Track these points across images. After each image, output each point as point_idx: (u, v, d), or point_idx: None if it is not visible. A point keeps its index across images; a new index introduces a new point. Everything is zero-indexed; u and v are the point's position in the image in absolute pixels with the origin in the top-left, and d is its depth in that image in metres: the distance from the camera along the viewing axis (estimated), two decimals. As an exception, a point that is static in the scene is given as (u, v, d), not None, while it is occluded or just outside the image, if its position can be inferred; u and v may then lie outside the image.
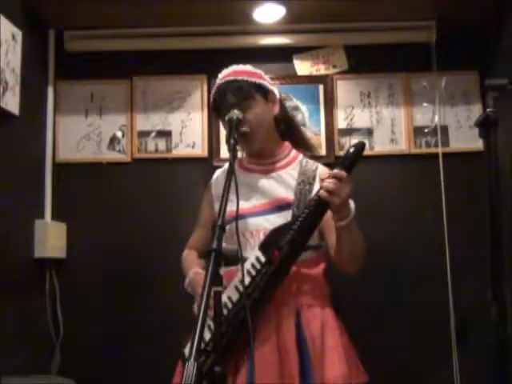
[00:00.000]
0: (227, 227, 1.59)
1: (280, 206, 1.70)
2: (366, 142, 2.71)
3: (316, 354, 1.58)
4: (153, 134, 2.73)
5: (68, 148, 2.72)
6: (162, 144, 2.72)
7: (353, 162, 1.54)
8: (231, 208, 1.56)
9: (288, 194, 1.71)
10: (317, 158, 1.87)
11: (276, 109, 1.79)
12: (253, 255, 1.60)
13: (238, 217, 1.55)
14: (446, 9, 2.55)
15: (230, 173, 1.38)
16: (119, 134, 2.73)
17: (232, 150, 1.48)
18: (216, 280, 1.15)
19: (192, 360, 1.00)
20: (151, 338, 2.53)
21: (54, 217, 2.63)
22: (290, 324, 1.61)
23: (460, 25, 2.61)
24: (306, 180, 1.72)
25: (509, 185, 2.07)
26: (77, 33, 2.72)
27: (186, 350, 1.52)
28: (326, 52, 2.76)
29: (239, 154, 1.74)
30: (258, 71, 1.81)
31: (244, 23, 2.66)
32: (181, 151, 2.71)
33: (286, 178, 1.75)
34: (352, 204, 1.59)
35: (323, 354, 1.59)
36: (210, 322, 1.44)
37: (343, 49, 2.75)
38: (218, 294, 1.17)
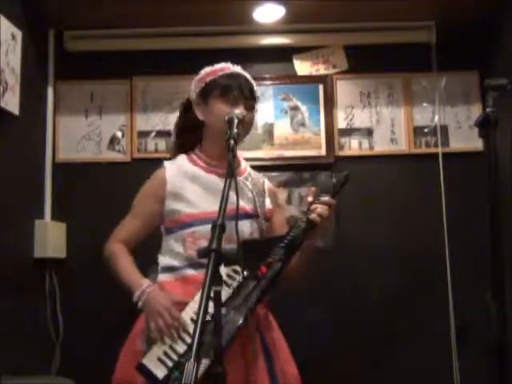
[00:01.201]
0: (198, 229, 1.60)
1: (240, 215, 1.67)
2: (366, 141, 2.72)
3: (272, 347, 1.61)
4: (152, 134, 2.73)
5: (68, 148, 2.72)
6: (161, 144, 2.72)
7: (340, 190, 1.62)
8: (205, 210, 1.60)
9: (245, 204, 1.67)
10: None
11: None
12: (230, 267, 1.56)
13: (200, 220, 1.58)
14: (445, 9, 2.55)
15: (231, 174, 1.37)
16: (119, 133, 2.73)
17: (232, 150, 1.47)
18: (216, 280, 1.15)
19: (192, 360, 1.00)
20: (151, 337, 2.53)
21: (54, 217, 2.63)
22: (257, 338, 1.60)
23: (460, 25, 2.61)
24: (259, 192, 1.72)
25: (509, 185, 2.07)
26: (77, 33, 2.72)
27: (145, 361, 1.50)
28: (326, 52, 2.77)
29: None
30: None
31: (244, 23, 2.66)
32: (181, 151, 2.71)
33: (242, 187, 1.70)
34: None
35: (275, 347, 1.62)
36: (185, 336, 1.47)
37: (343, 49, 2.75)
38: (218, 294, 1.17)
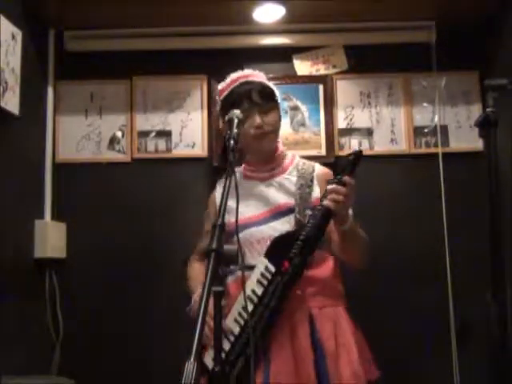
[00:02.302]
0: (240, 235, 1.62)
1: (282, 212, 1.71)
2: (366, 141, 2.72)
3: (330, 354, 1.60)
4: (153, 134, 2.73)
5: (68, 148, 2.72)
6: (161, 144, 2.72)
7: (354, 169, 1.55)
8: (244, 215, 1.65)
9: (288, 200, 1.72)
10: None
11: (281, 118, 1.82)
12: (261, 264, 1.62)
13: (243, 226, 1.63)
14: (446, 9, 2.55)
15: (231, 173, 1.38)
16: (119, 133, 2.73)
17: (232, 150, 1.47)
18: (216, 280, 1.15)
19: (192, 360, 1.00)
20: (151, 337, 2.53)
21: (54, 217, 2.63)
22: (305, 328, 1.62)
23: (460, 25, 2.62)
24: (304, 184, 1.73)
25: (509, 185, 2.07)
26: (77, 33, 2.72)
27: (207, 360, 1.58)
28: (326, 52, 2.77)
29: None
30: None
31: (244, 23, 2.66)
32: (180, 151, 2.71)
33: (284, 184, 1.76)
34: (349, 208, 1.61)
35: (337, 354, 1.61)
36: (230, 336, 1.56)
37: (343, 49, 2.75)
38: (218, 294, 1.17)
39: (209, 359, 1.57)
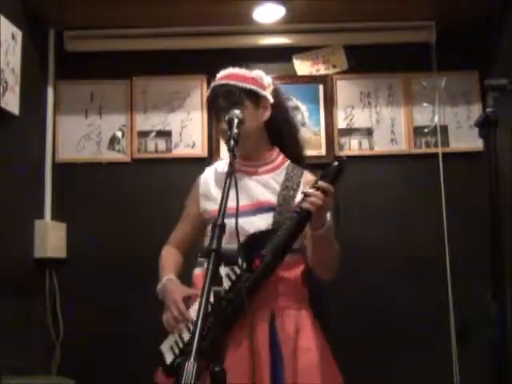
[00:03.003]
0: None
1: (262, 209, 1.69)
2: (366, 141, 2.72)
3: (288, 356, 1.59)
4: (153, 134, 2.73)
5: (68, 148, 2.72)
6: (161, 144, 2.72)
7: (337, 176, 1.53)
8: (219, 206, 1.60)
9: (271, 197, 1.70)
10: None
11: (267, 114, 1.77)
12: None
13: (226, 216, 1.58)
14: (445, 9, 2.55)
15: (231, 173, 1.38)
16: (119, 133, 2.73)
17: (232, 150, 1.47)
18: (216, 280, 1.15)
19: (192, 360, 1.00)
20: (151, 337, 2.52)
21: (54, 217, 2.63)
22: (264, 327, 1.61)
23: (460, 25, 2.62)
24: (290, 186, 1.72)
25: (509, 185, 2.07)
26: (77, 33, 2.72)
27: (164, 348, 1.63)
28: (326, 52, 2.77)
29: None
30: (253, 75, 1.79)
31: (244, 23, 2.66)
32: (181, 151, 2.71)
33: (270, 182, 1.74)
34: (328, 214, 1.59)
35: (296, 356, 1.60)
36: (191, 326, 1.59)
37: (343, 49, 2.75)
38: (218, 294, 1.17)
39: (166, 347, 1.67)
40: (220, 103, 1.70)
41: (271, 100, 1.79)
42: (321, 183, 1.50)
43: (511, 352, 1.33)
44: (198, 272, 1.75)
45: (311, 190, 1.50)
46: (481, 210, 1.61)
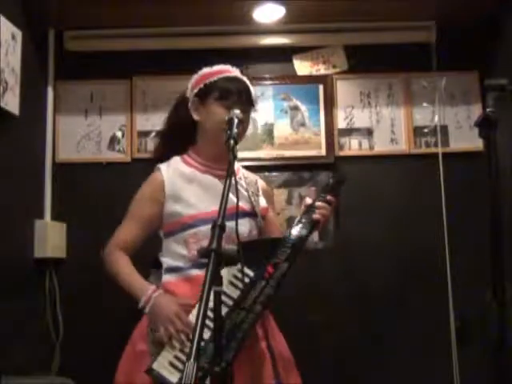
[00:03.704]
0: (200, 229, 1.60)
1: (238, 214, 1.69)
2: (366, 141, 2.72)
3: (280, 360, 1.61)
4: (152, 134, 2.73)
5: (68, 148, 2.72)
6: (161, 144, 2.72)
7: (339, 190, 1.66)
8: (205, 210, 1.61)
9: (242, 203, 1.66)
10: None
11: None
12: (235, 268, 1.57)
13: (199, 221, 1.60)
14: (446, 9, 2.55)
15: (231, 174, 1.38)
16: (119, 133, 2.73)
17: (232, 150, 1.47)
18: (216, 280, 1.15)
19: (192, 360, 1.00)
20: (151, 337, 2.53)
21: (54, 217, 2.63)
22: (260, 333, 1.62)
23: (460, 25, 2.62)
24: (254, 191, 1.75)
25: (509, 185, 2.07)
26: (77, 33, 2.72)
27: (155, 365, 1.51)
28: (326, 52, 2.77)
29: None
30: None
31: (244, 23, 2.66)
32: (181, 151, 2.71)
33: (238, 187, 1.72)
34: None
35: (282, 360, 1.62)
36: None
37: (343, 49, 2.75)
38: (218, 294, 1.17)
39: (163, 365, 1.49)
40: (244, 98, 1.69)
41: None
42: (329, 197, 1.60)
43: (511, 352, 1.33)
44: (168, 279, 1.66)
45: (320, 203, 1.60)
46: (481, 210, 1.61)
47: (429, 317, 2.53)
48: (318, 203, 1.60)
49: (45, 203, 2.62)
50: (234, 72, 1.77)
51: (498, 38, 2.54)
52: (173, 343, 1.52)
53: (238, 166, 1.79)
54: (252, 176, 1.82)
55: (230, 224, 1.53)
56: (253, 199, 1.72)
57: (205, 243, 1.50)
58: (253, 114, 1.85)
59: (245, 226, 1.66)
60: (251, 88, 1.75)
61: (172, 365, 1.49)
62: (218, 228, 1.21)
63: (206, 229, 1.50)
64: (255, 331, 1.58)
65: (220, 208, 1.29)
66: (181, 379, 1.41)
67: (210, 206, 1.62)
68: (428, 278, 2.57)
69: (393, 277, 2.57)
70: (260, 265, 1.55)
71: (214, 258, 1.16)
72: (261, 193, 1.78)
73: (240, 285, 1.53)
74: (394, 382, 2.48)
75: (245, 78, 1.76)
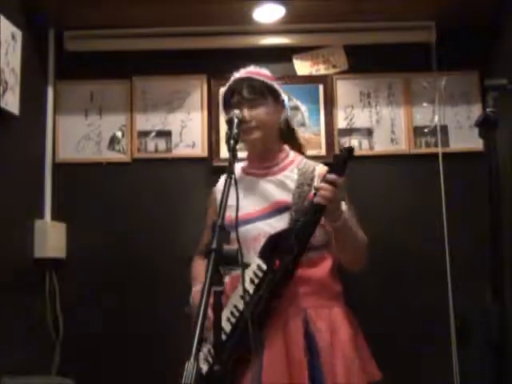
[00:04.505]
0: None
1: (279, 209, 1.71)
2: (366, 141, 2.72)
3: (325, 353, 1.61)
4: (153, 134, 2.73)
5: (68, 148, 2.72)
6: (161, 144, 2.72)
7: (345, 166, 1.57)
8: (245, 211, 1.66)
9: (287, 197, 1.72)
10: (314, 159, 1.91)
11: (284, 115, 1.86)
12: (254, 263, 1.62)
13: (242, 222, 1.61)
14: (446, 9, 2.55)
15: (230, 173, 1.38)
16: (119, 133, 2.73)
17: (232, 150, 1.48)
18: (216, 280, 1.16)
19: (192, 360, 1.00)
20: (151, 337, 2.53)
21: (54, 217, 2.63)
22: (298, 327, 1.62)
23: (460, 25, 2.62)
24: (304, 182, 1.73)
25: (509, 185, 2.07)
26: (77, 33, 2.72)
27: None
28: (326, 52, 2.77)
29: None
30: (274, 77, 1.90)
31: (244, 23, 2.66)
32: (181, 151, 2.71)
33: (284, 181, 1.76)
34: (343, 205, 1.61)
35: (332, 353, 1.61)
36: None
37: (343, 49, 2.75)
38: (218, 294, 1.17)
39: (201, 356, 1.61)
40: (245, 94, 1.75)
41: (287, 103, 1.87)
42: (328, 176, 1.52)
43: (511, 352, 1.33)
44: (227, 280, 1.70)
45: (321, 184, 1.53)
46: (481, 210, 1.61)
47: (429, 317, 2.53)
48: (319, 184, 1.54)
49: (45, 203, 2.62)
50: (241, 73, 1.84)
51: (498, 37, 2.54)
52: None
53: (291, 158, 1.83)
54: (310, 164, 1.81)
55: (265, 222, 1.67)
56: (299, 191, 1.71)
57: (243, 245, 1.58)
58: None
59: (284, 222, 1.67)
60: (263, 79, 1.81)
61: (204, 358, 1.64)
62: (219, 228, 1.21)
63: (241, 230, 1.55)
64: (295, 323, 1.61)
65: (220, 208, 1.29)
66: (209, 370, 1.52)
67: (248, 207, 1.70)
68: (428, 278, 2.57)
69: (392, 276, 2.57)
70: (271, 258, 1.58)
71: (213, 257, 1.16)
72: (316, 180, 1.74)
73: (257, 281, 1.59)
74: (393, 381, 2.48)
75: (256, 73, 1.82)
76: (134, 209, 2.66)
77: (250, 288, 1.59)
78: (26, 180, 2.48)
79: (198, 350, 1.02)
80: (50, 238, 2.51)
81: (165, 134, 2.72)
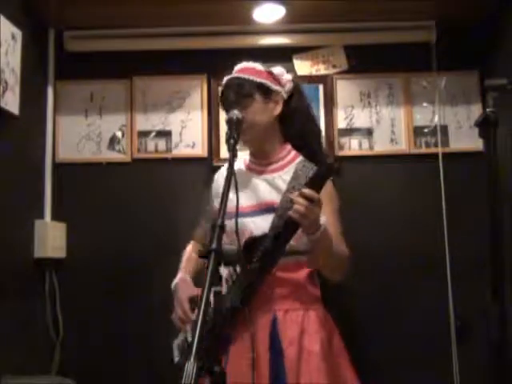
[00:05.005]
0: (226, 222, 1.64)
1: (267, 209, 1.70)
2: (366, 141, 2.72)
3: (291, 359, 1.59)
4: (153, 134, 2.73)
5: (68, 148, 2.72)
6: (161, 144, 2.72)
7: (323, 183, 1.49)
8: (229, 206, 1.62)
9: (276, 198, 1.71)
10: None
11: (278, 109, 1.79)
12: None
13: (232, 215, 1.56)
14: (446, 9, 2.55)
15: (230, 173, 1.38)
16: (119, 133, 2.73)
17: (232, 150, 1.48)
18: (216, 280, 1.15)
19: (192, 360, 1.00)
20: (151, 337, 2.53)
21: (54, 217, 2.63)
22: (265, 332, 1.62)
23: (460, 25, 2.62)
24: (296, 186, 1.69)
25: (509, 185, 2.07)
26: (77, 33, 2.72)
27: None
28: (326, 52, 2.76)
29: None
30: (269, 70, 1.83)
31: (244, 23, 2.66)
32: (181, 151, 2.71)
33: (277, 182, 1.75)
34: (322, 218, 1.54)
35: (299, 359, 1.60)
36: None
37: (343, 49, 2.75)
38: (218, 294, 1.17)
39: (176, 343, 1.73)
40: (229, 96, 1.74)
41: (284, 96, 1.81)
42: (304, 191, 1.44)
43: (511, 352, 1.33)
44: None
45: (297, 198, 1.44)
46: (481, 210, 1.61)
47: (429, 317, 2.53)
48: (295, 198, 1.45)
49: (45, 203, 2.62)
50: (235, 70, 1.83)
51: (498, 37, 2.53)
52: (185, 327, 1.70)
53: (289, 159, 1.80)
54: (308, 167, 1.74)
55: (249, 220, 1.67)
56: (288, 194, 1.66)
57: (229, 238, 1.55)
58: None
59: (268, 222, 1.67)
60: (246, 77, 1.76)
61: (178, 346, 1.73)
62: (219, 228, 1.21)
63: (230, 223, 1.45)
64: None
65: (220, 208, 1.29)
66: (183, 360, 1.54)
67: (242, 201, 1.61)
68: (428, 278, 2.56)
69: (392, 276, 2.57)
70: (247, 261, 1.58)
71: (213, 257, 1.16)
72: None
73: (230, 282, 1.62)
74: (393, 381, 2.48)
75: (244, 71, 1.79)
76: (133, 209, 2.66)
77: (224, 288, 1.56)
78: (26, 180, 2.48)
79: (198, 350, 1.02)
80: (50, 237, 2.51)
81: (165, 134, 2.72)
